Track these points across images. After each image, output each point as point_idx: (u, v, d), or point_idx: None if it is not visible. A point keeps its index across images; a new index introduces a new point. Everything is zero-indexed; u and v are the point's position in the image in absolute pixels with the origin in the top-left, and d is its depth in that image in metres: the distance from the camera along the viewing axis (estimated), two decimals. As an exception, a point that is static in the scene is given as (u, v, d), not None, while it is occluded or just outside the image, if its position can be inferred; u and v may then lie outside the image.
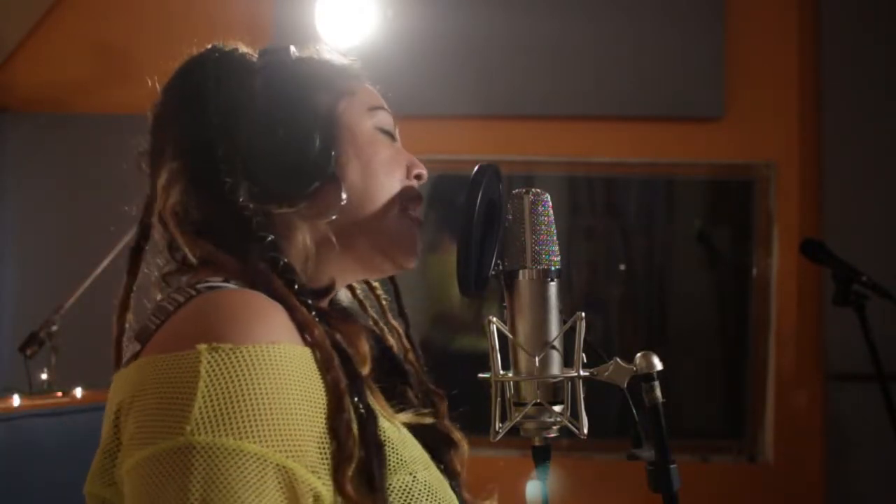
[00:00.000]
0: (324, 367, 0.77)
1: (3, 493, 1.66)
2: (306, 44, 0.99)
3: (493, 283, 0.88)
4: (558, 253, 0.87)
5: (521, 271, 0.85)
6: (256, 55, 0.94)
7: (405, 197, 0.95)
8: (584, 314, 0.83)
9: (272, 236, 0.86)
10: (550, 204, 0.88)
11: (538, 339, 0.84)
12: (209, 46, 0.93)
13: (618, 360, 0.85)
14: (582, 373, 0.83)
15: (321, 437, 0.74)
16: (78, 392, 2.02)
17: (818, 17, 3.33)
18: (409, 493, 0.81)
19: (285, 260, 0.84)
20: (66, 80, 3.50)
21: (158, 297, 0.89)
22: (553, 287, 0.85)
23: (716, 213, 3.54)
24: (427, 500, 0.82)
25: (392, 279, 1.08)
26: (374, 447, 0.77)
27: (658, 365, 0.84)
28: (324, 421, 0.74)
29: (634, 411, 0.86)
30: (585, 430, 0.83)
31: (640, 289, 3.51)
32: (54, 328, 2.17)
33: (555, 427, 0.85)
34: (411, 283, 1.34)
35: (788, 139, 3.34)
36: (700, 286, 3.48)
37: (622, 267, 3.48)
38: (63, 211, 3.35)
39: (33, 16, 3.52)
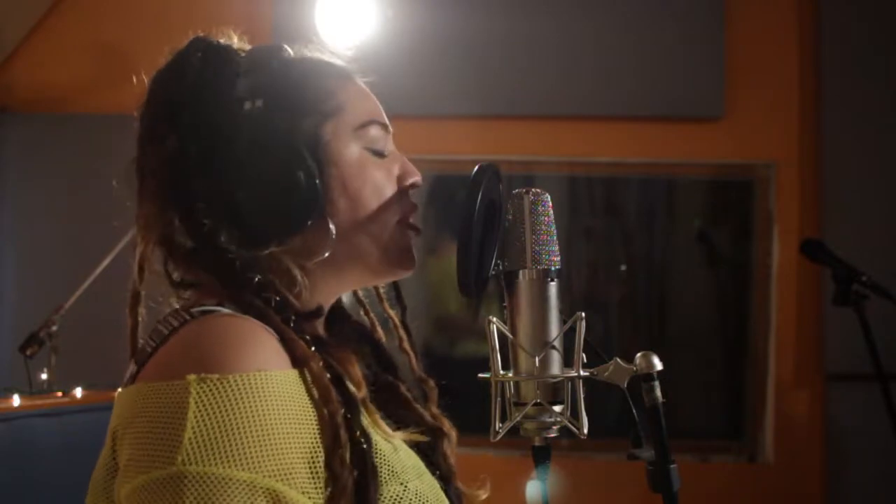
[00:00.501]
0: (321, 401, 0.77)
1: (3, 493, 1.66)
2: (295, 42, 0.96)
3: (493, 283, 0.88)
4: (558, 253, 0.87)
5: (521, 271, 0.85)
6: (244, 53, 0.93)
7: (399, 212, 0.93)
8: (584, 314, 0.83)
9: (258, 277, 0.83)
10: (550, 204, 0.88)
11: (538, 339, 0.84)
12: (193, 39, 0.91)
13: (618, 360, 0.85)
14: (582, 373, 0.83)
15: (312, 459, 0.75)
16: (78, 392, 2.02)
17: (818, 17, 3.33)
18: (399, 503, 0.82)
19: (278, 298, 0.83)
20: (66, 80, 3.50)
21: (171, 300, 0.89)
22: (553, 287, 0.85)
23: (716, 213, 3.53)
24: None
25: None
26: (369, 474, 0.78)
27: (658, 365, 0.84)
28: (314, 442, 0.76)
29: (634, 411, 0.86)
30: (585, 430, 0.83)
31: (640, 289, 3.51)
32: (54, 328, 2.17)
33: (555, 427, 0.85)
34: (412, 287, 1.34)
35: (788, 139, 3.34)
36: (700, 286, 3.48)
37: (622, 267, 3.48)
38: (63, 211, 3.34)
39: (33, 16, 3.52)
